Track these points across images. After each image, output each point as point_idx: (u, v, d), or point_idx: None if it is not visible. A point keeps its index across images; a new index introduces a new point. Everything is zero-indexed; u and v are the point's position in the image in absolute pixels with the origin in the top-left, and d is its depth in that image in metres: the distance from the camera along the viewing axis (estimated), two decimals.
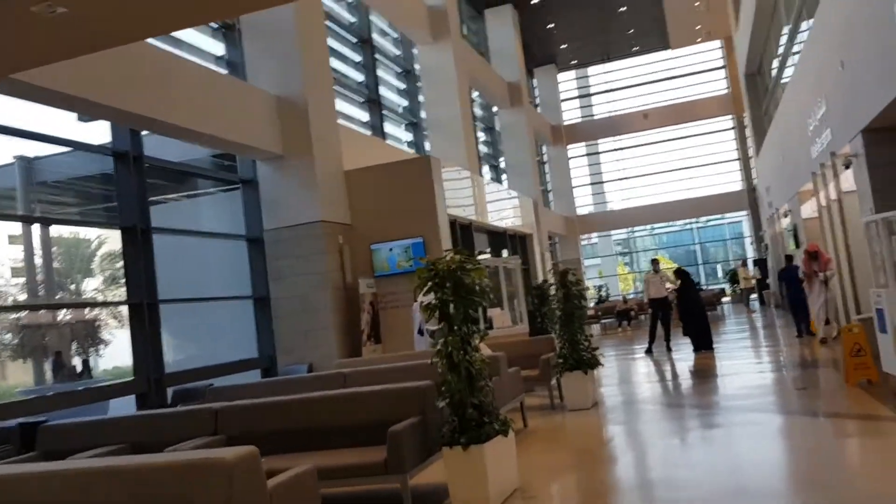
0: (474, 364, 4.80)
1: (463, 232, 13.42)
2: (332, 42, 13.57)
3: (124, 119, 8.23)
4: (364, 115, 14.77)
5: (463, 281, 4.90)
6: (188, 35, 10.07)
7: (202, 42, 10.76)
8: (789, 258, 15.18)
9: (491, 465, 4.74)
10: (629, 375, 11.77)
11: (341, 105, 13.56)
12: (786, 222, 17.99)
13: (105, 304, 12.84)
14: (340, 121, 12.38)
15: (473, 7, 24.02)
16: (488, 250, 15.65)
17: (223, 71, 10.68)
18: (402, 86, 17.30)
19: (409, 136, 17.09)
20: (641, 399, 9.09)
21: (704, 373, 10.79)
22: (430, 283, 4.85)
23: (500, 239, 16.63)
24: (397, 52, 17.36)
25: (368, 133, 14.44)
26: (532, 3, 24.24)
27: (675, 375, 11.11)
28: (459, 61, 17.93)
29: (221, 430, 5.49)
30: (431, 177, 11.51)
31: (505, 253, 16.36)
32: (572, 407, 8.54)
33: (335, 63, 13.67)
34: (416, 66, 17.81)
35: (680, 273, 13.67)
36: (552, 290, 10.27)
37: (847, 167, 9.14)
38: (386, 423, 4.90)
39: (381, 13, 15.64)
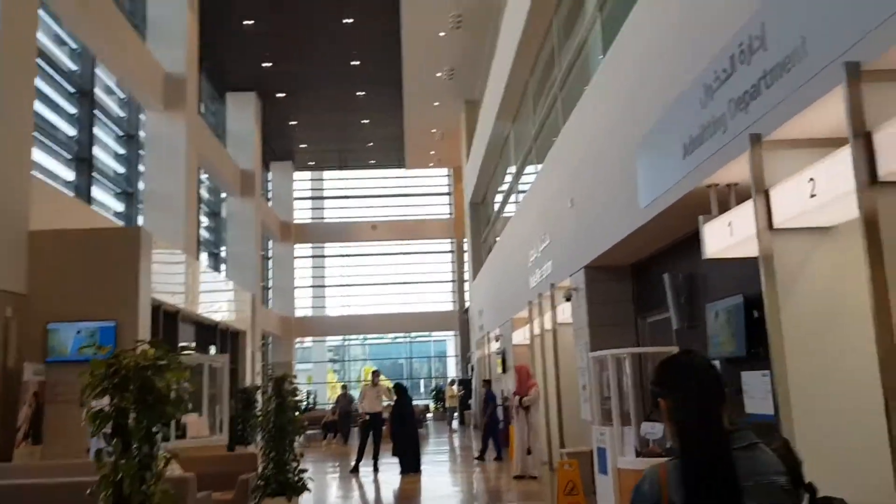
0: (152, 498, 3.62)
1: (167, 320, 11.86)
2: (43, 86, 11.71)
3: None
4: (70, 175, 12.79)
5: (153, 384, 3.78)
6: None
7: None
8: (487, 382, 15.71)
9: None
10: (333, 501, 10.82)
11: (41, 157, 11.59)
12: (495, 346, 18.69)
13: None
14: (37, 173, 10.47)
15: (215, 87, 22.94)
16: (194, 344, 14.05)
17: None
18: (122, 151, 15.49)
19: (120, 207, 15.16)
20: None
21: (410, 502, 10.22)
22: (105, 383, 3.65)
23: (209, 333, 15.09)
24: (122, 114, 15.61)
25: (71, 194, 12.46)
26: (277, 95, 23.79)
27: None
28: (192, 137, 16.59)
29: None
30: (139, 252, 10.00)
31: (213, 350, 14.85)
32: None
33: (43, 109, 11.76)
34: (142, 133, 16.13)
35: (398, 388, 13.26)
36: (260, 397, 9.19)
37: (568, 299, 9.48)
38: None
39: (109, 68, 13.99)
